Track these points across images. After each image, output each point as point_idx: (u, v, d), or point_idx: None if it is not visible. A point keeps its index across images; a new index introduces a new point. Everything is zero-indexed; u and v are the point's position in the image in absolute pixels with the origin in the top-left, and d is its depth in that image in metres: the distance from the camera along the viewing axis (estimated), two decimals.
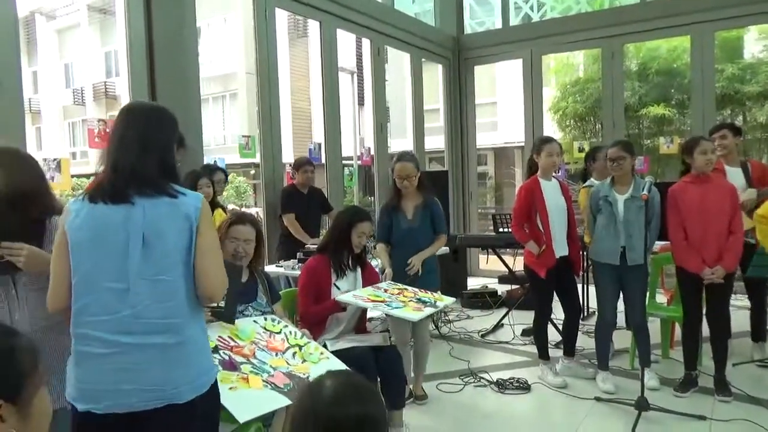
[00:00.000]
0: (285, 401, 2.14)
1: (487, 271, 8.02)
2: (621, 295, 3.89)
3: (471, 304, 6.25)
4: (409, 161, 3.74)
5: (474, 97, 8.26)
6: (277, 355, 2.48)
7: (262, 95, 5.26)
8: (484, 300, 6.24)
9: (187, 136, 3.18)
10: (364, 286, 3.34)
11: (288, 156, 8.51)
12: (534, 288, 4.18)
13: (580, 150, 7.46)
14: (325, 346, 2.96)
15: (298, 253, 4.55)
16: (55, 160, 3.67)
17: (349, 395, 1.16)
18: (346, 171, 6.47)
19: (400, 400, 3.20)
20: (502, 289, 6.47)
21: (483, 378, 4.12)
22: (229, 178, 6.37)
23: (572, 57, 14.16)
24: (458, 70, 8.15)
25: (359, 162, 8.12)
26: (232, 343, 2.41)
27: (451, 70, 8.10)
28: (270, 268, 4.50)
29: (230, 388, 2.10)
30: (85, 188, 1.80)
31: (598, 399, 3.70)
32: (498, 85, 16.75)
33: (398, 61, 14.02)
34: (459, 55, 8.13)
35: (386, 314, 3.30)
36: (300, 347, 2.61)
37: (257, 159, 5.46)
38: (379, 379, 3.06)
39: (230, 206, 15.65)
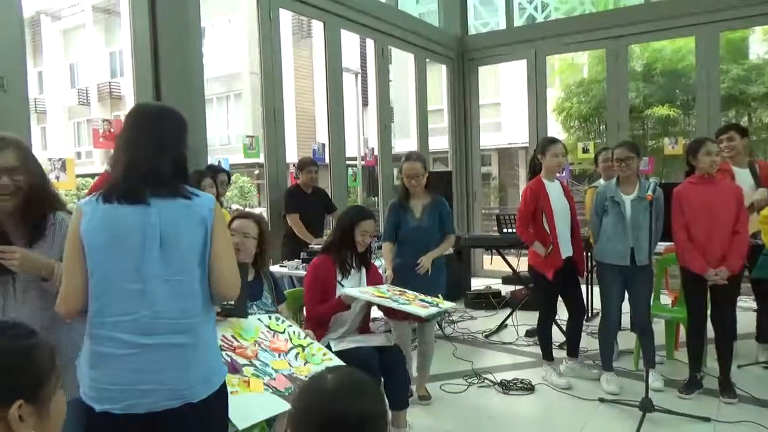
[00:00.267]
0: (285, 406, 2.13)
1: (491, 271, 8.01)
2: (626, 297, 3.88)
3: (475, 305, 6.24)
4: (416, 161, 3.80)
5: (478, 98, 8.25)
6: (279, 356, 2.47)
7: (266, 95, 5.26)
8: (488, 301, 6.23)
9: (191, 137, 3.19)
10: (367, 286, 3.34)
11: (292, 156, 8.51)
12: (538, 289, 4.18)
13: (585, 151, 7.45)
14: (329, 346, 2.96)
15: (301, 253, 4.57)
16: (60, 159, 3.68)
17: (350, 391, 1.16)
18: (350, 171, 6.48)
19: (403, 400, 3.19)
20: (506, 289, 6.46)
21: (487, 379, 4.12)
22: (233, 178, 6.37)
23: (576, 58, 14.15)
24: (462, 70, 8.14)
25: (363, 162, 8.11)
26: (236, 344, 2.40)
27: (455, 70, 8.09)
28: (274, 268, 4.49)
29: (231, 392, 2.07)
30: (91, 187, 1.80)
31: (602, 400, 3.69)
32: (502, 85, 16.74)
33: (402, 61, 14.04)
34: (463, 55, 8.12)
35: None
36: (303, 348, 2.60)
37: (261, 159, 5.46)
38: (382, 379, 3.05)
39: (234, 206, 15.69)
